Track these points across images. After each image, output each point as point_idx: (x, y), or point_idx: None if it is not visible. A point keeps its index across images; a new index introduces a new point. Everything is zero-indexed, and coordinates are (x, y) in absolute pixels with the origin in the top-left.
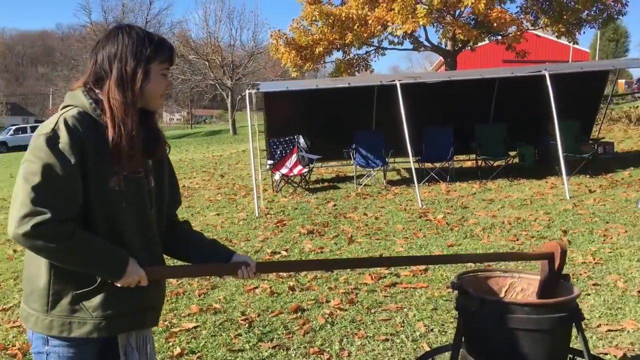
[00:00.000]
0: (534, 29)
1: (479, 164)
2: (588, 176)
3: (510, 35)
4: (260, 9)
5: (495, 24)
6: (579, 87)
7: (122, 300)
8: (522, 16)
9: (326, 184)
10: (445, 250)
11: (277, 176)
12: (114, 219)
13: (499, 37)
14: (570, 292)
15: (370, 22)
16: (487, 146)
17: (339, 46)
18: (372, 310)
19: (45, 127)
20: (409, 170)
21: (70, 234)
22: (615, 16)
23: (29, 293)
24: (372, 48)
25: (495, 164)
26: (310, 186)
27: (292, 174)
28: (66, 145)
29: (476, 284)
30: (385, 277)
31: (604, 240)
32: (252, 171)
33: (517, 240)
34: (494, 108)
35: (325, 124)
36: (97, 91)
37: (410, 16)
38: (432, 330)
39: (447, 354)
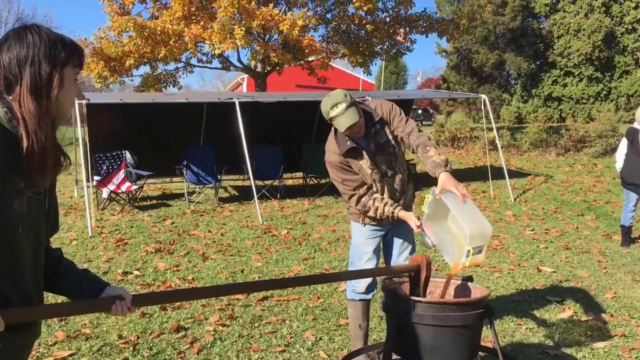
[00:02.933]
0: (335, 58)
1: (307, 181)
2: None
3: (319, 61)
4: (54, 13)
5: (306, 50)
6: None
7: (6, 336)
8: (325, 46)
9: (154, 201)
10: (302, 263)
11: (104, 193)
12: (9, 244)
13: (303, 62)
14: (476, 292)
15: (186, 38)
16: (315, 165)
17: (148, 60)
18: (256, 324)
19: None
20: (236, 187)
21: None
22: (403, 51)
23: None
24: (181, 64)
25: (322, 182)
26: (138, 204)
27: (120, 191)
28: None
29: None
30: None
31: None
32: (84, 188)
33: None
34: (316, 129)
35: (151, 139)
36: (8, 98)
37: (228, 36)
38: (321, 338)
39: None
